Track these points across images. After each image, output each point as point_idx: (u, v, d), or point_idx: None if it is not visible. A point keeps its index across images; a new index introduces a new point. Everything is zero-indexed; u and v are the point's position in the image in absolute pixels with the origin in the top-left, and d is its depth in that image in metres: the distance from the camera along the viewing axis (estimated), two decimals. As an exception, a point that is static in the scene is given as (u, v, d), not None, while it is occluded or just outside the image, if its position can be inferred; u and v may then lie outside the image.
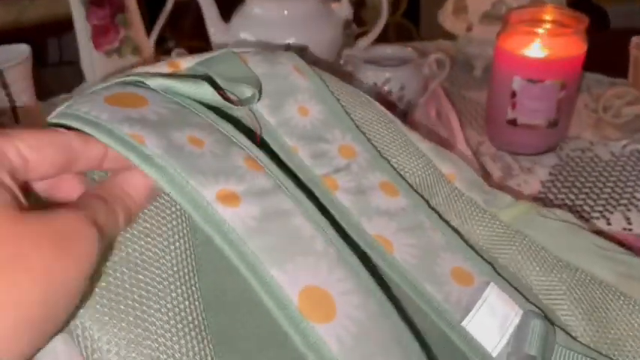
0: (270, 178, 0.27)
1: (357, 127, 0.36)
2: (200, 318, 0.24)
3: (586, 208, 0.59)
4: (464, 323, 0.30)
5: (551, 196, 0.60)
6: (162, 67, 0.32)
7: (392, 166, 0.35)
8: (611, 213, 0.58)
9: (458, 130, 0.65)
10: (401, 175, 0.35)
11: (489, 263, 0.33)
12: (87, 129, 0.24)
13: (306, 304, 0.23)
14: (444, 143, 0.67)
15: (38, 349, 0.20)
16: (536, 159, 0.66)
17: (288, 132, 0.33)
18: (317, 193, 0.31)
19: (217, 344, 0.24)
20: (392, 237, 0.31)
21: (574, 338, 0.33)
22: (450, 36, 0.90)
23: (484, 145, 0.70)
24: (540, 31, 0.61)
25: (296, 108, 0.34)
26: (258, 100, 0.33)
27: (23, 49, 0.61)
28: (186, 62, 0.33)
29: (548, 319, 0.32)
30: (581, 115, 0.76)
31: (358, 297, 0.25)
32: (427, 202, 0.35)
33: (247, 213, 0.25)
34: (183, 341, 0.23)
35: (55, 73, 1.06)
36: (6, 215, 0.19)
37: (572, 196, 0.60)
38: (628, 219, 0.57)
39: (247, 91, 0.32)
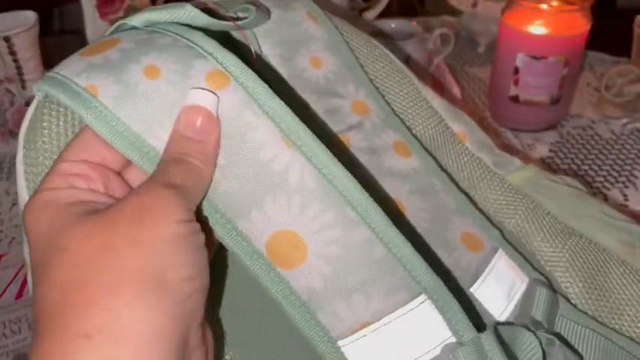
0: (236, 93, 0.23)
1: (371, 81, 0.34)
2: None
3: (583, 184, 0.59)
4: (472, 289, 0.29)
5: (550, 172, 0.61)
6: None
7: (405, 124, 0.34)
8: (609, 190, 0.59)
9: (460, 106, 0.65)
10: (413, 134, 0.33)
11: (498, 229, 0.32)
12: (50, 89, 0.24)
13: (274, 251, 0.23)
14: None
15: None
16: (537, 135, 0.67)
17: (300, 85, 0.31)
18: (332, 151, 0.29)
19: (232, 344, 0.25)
20: (405, 199, 0.30)
21: (574, 306, 0.33)
22: (454, 12, 0.90)
23: (486, 121, 0.70)
24: (544, 7, 0.61)
25: (309, 59, 0.32)
26: (257, 24, 0.30)
27: (29, 16, 0.61)
28: None
29: (552, 287, 0.33)
30: (583, 93, 0.76)
31: (336, 230, 0.23)
32: (438, 163, 0.33)
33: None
34: None
35: (58, 42, 1.06)
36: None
37: (571, 173, 0.61)
38: (625, 196, 0.58)
39: (247, 12, 0.29)
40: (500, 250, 0.31)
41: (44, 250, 0.20)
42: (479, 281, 0.29)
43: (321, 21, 0.34)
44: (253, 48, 0.29)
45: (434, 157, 0.33)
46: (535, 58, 0.62)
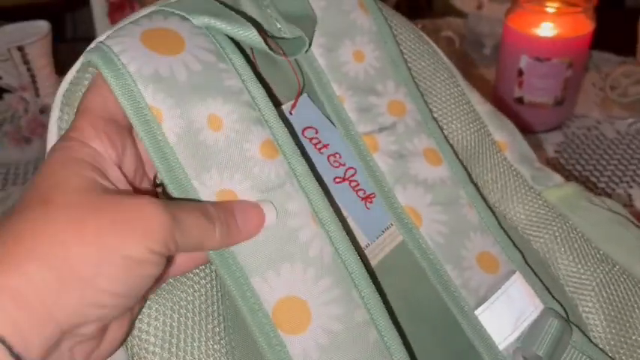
0: (281, 167, 0.26)
1: (414, 79, 0.34)
2: (227, 338, 0.26)
3: (589, 184, 0.60)
4: (477, 311, 0.29)
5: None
6: None
7: (441, 128, 0.33)
8: (613, 190, 0.59)
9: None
10: (447, 140, 0.33)
11: (519, 251, 0.32)
12: (112, 83, 0.24)
13: (280, 314, 0.24)
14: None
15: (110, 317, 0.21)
16: (542, 137, 0.68)
17: (338, 78, 0.31)
18: (354, 152, 0.30)
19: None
20: (423, 210, 0.30)
21: (589, 339, 0.31)
22: (460, 14, 0.91)
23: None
24: (549, 10, 0.62)
25: (352, 52, 0.32)
26: (308, 49, 0.31)
27: (42, 25, 0.63)
28: None
29: (567, 318, 0.31)
30: (589, 93, 0.77)
31: (341, 307, 0.24)
32: (469, 174, 0.33)
33: None
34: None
35: (71, 49, 1.07)
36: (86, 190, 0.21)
37: (576, 173, 0.62)
38: (629, 195, 0.58)
39: (298, 36, 0.30)
40: (517, 274, 0.31)
41: (36, 187, 0.21)
42: (486, 304, 0.29)
43: (371, 10, 0.34)
44: (299, 79, 0.31)
45: (466, 168, 0.33)
46: (539, 60, 0.62)
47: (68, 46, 1.14)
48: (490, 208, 0.32)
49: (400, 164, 0.30)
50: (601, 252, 0.34)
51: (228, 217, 0.24)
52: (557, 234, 0.34)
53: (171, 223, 0.21)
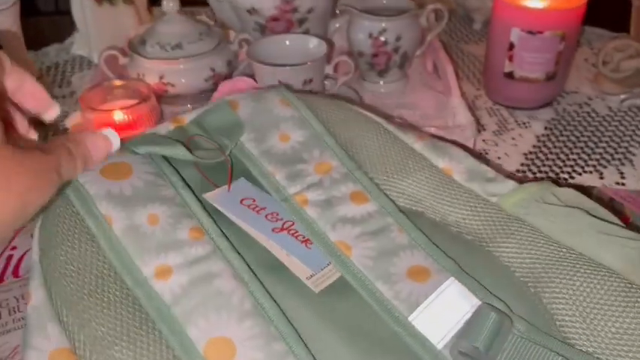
0: (208, 244, 0.33)
1: (340, 144, 0.41)
2: None
3: (580, 162, 0.58)
4: (411, 318, 0.32)
5: (545, 150, 0.60)
6: (168, 125, 0.41)
7: (369, 176, 0.40)
8: (605, 167, 0.57)
9: (454, 83, 0.64)
10: (375, 183, 0.39)
11: (452, 259, 0.35)
12: (77, 202, 0.34)
13: (210, 351, 0.29)
14: (440, 97, 0.66)
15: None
16: (532, 113, 0.66)
17: (268, 159, 0.40)
18: (288, 210, 0.37)
19: None
20: (352, 242, 0.35)
21: (537, 329, 0.32)
22: (450, -13, 0.88)
23: (480, 99, 0.69)
24: (541, -20, 0.60)
25: (278, 136, 0.41)
26: (230, 151, 0.40)
27: (9, -6, 0.59)
28: (188, 116, 0.42)
29: (510, 311, 0.33)
30: (581, 69, 0.75)
31: (261, 340, 0.30)
32: (396, 205, 0.38)
33: (177, 283, 0.31)
34: None
35: (50, 23, 1.04)
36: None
37: (567, 150, 0.60)
38: (622, 173, 0.56)
39: (224, 144, 0.40)
40: (451, 279, 0.34)
41: None
42: (419, 309, 0.32)
43: (293, 103, 0.43)
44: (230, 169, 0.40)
45: (392, 201, 0.38)
46: (530, 33, 0.60)
47: (47, 19, 1.10)
48: (419, 229, 0.37)
49: (328, 210, 0.37)
50: (563, 247, 0.36)
51: (84, 150, 0.33)
52: (516, 238, 0.37)
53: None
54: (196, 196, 0.36)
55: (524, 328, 0.32)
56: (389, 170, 0.40)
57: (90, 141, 0.34)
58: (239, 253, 0.33)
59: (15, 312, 0.44)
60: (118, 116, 0.52)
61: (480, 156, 0.58)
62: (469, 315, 0.32)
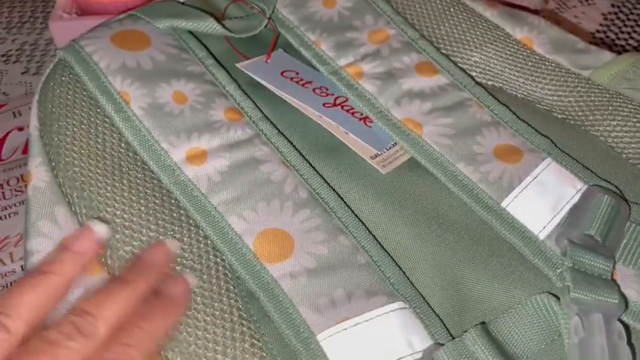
0: (248, 127, 0.28)
1: (396, 9, 0.35)
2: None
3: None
4: (504, 203, 0.27)
5: (615, 30, 0.52)
6: None
7: (435, 46, 0.33)
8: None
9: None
10: (443, 54, 0.33)
11: (546, 137, 0.29)
12: (85, 76, 0.28)
13: (261, 247, 0.24)
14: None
15: None
16: (587, 2, 0.58)
17: (311, 27, 0.33)
18: (340, 84, 0.31)
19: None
20: (423, 118, 0.29)
21: None
22: None
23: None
24: None
25: (321, 1, 0.34)
26: (272, 12, 0.34)
27: None
28: None
29: (623, 196, 0.28)
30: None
31: (323, 233, 0.25)
32: (474, 79, 0.32)
33: (214, 168, 0.26)
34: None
35: None
36: None
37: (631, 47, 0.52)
38: None
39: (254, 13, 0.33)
40: (547, 160, 0.28)
41: None
42: (513, 194, 0.27)
43: None
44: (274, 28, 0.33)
45: (467, 74, 0.32)
46: None
47: None
48: (503, 104, 0.31)
49: (390, 83, 0.31)
50: None
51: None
52: (615, 115, 0.31)
53: None
54: (229, 75, 0.30)
55: None
56: (457, 40, 0.34)
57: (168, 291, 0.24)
58: (286, 137, 0.28)
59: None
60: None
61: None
62: (575, 200, 0.27)
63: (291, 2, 0.34)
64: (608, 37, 0.52)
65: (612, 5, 0.56)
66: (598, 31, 0.52)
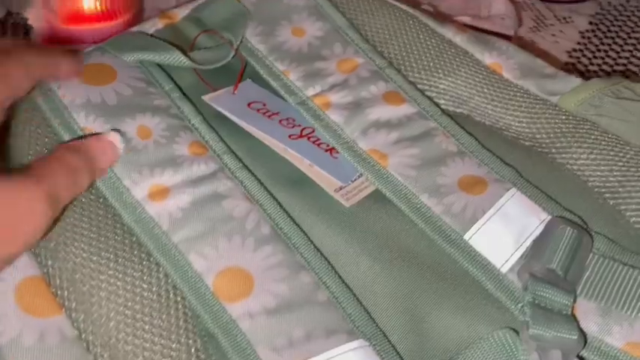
0: (212, 161, 0.27)
1: (366, 38, 0.34)
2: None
3: (633, 60, 0.51)
4: (467, 236, 0.26)
5: (592, 48, 0.53)
6: (156, 22, 0.34)
7: (403, 74, 0.33)
8: (661, 66, 0.50)
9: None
10: (411, 82, 0.33)
11: (511, 167, 0.29)
12: (49, 112, 0.28)
13: (221, 286, 0.24)
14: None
15: None
16: (573, 7, 0.58)
17: (280, 57, 0.33)
18: (307, 115, 0.31)
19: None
20: (388, 149, 0.29)
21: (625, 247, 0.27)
22: None
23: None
24: None
25: (290, 30, 0.34)
26: (239, 43, 0.33)
27: None
28: (180, 12, 0.35)
29: (587, 226, 0.27)
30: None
31: (284, 270, 0.24)
32: (441, 108, 0.32)
33: (176, 204, 0.26)
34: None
35: None
36: None
37: (617, 48, 0.53)
38: (680, 73, 0.49)
39: (227, 40, 0.33)
40: (512, 190, 0.28)
41: None
42: (476, 226, 0.27)
43: None
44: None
45: (435, 103, 0.32)
46: None
47: None
48: (469, 133, 0.31)
49: (357, 113, 0.30)
50: None
51: (89, 159, 0.25)
52: (581, 142, 0.31)
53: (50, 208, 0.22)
54: (196, 107, 0.30)
55: (606, 247, 0.27)
56: (426, 67, 0.34)
57: (94, 147, 0.26)
58: (250, 171, 0.28)
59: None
60: (88, 4, 0.44)
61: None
62: (538, 231, 0.26)
63: (260, 31, 0.34)
64: (585, 55, 0.52)
65: (590, 23, 0.56)
66: (575, 50, 0.52)
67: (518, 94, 0.33)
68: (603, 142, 0.30)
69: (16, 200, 0.21)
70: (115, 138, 0.27)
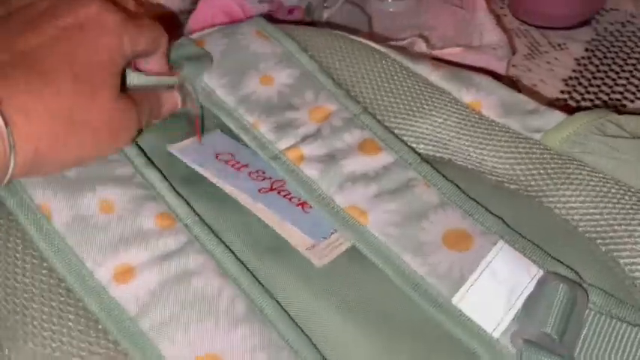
0: (181, 234, 0.26)
1: (339, 83, 0.33)
2: None
3: (630, 87, 0.50)
4: (455, 299, 0.25)
5: (588, 75, 0.51)
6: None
7: (378, 119, 0.31)
8: (660, 93, 0.49)
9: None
10: (387, 128, 0.31)
11: (497, 216, 0.27)
12: (3, 194, 0.26)
13: None
14: (460, 13, 0.56)
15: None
16: (568, 34, 0.56)
17: (249, 108, 0.31)
18: (280, 169, 0.29)
19: None
20: (367, 205, 0.28)
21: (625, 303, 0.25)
22: None
23: (505, 19, 0.59)
24: None
25: (258, 79, 0.32)
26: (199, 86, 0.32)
27: None
28: None
29: (580, 279, 0.26)
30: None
31: (264, 353, 0.23)
32: (418, 153, 0.30)
33: (143, 286, 0.24)
34: None
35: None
36: None
37: (614, 75, 0.51)
38: (680, 100, 0.48)
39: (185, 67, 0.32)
40: (500, 243, 0.26)
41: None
42: (464, 287, 0.25)
43: (273, 36, 0.34)
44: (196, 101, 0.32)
45: (411, 148, 0.31)
46: None
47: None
48: (451, 181, 0.29)
49: (331, 166, 0.29)
50: (638, 191, 0.28)
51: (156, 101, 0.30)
52: (568, 184, 0.29)
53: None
54: (161, 173, 0.28)
55: (602, 301, 0.25)
56: (402, 110, 0.32)
57: (165, 98, 0.30)
58: (220, 240, 0.26)
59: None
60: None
61: (513, 83, 0.49)
62: (530, 289, 0.25)
63: (227, 82, 0.32)
64: (581, 83, 0.50)
65: (586, 49, 0.54)
66: (570, 78, 0.51)
67: (500, 133, 0.31)
68: (592, 183, 0.29)
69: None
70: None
